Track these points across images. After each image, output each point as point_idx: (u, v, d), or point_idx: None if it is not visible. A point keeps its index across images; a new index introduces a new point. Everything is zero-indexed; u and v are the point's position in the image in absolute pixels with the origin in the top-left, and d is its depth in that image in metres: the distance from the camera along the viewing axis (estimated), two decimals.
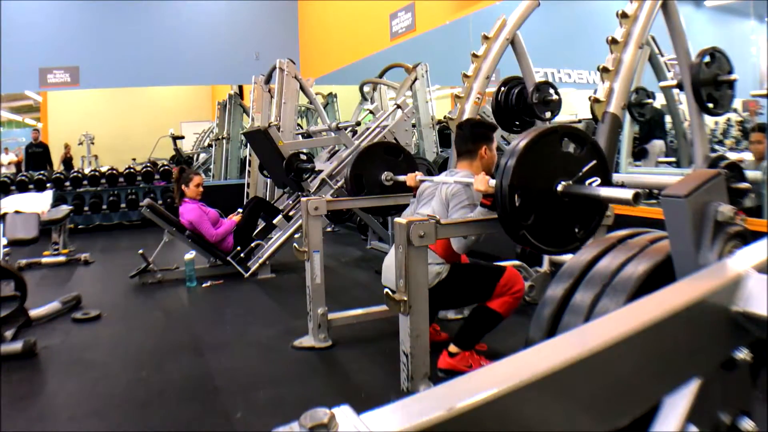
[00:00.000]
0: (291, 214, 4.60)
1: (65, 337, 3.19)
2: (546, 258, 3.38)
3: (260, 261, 4.48)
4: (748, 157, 3.75)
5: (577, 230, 1.81)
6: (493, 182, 2.13)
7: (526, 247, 1.82)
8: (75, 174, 7.71)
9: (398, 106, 4.63)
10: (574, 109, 6.08)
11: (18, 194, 6.36)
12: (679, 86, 3.08)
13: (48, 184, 7.26)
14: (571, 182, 1.72)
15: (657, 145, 4.90)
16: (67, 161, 10.61)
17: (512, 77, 3.48)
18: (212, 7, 9.46)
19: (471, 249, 2.37)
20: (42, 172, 7.93)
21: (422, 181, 2.72)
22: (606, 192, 1.68)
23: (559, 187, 1.71)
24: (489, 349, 2.69)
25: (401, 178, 3.00)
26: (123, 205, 7.67)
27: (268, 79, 5.64)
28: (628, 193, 1.61)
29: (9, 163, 10.63)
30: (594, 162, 1.76)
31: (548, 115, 3.28)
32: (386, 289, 1.98)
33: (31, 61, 8.49)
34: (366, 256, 5.32)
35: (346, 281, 4.42)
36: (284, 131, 4.85)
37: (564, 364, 0.53)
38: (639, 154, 4.84)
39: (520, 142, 1.73)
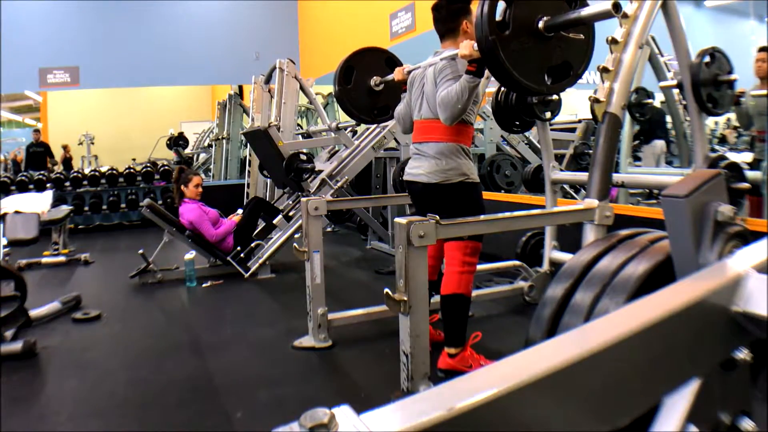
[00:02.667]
0: (291, 214, 4.60)
1: (65, 337, 3.19)
2: (546, 258, 3.38)
3: (260, 261, 4.48)
4: (754, 84, 3.68)
5: (547, 79, 1.76)
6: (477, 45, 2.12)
7: (499, 77, 1.75)
8: (75, 174, 7.71)
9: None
10: (574, 109, 6.08)
11: (18, 194, 6.36)
12: (679, 86, 3.08)
13: (48, 184, 7.26)
14: (551, 17, 1.70)
15: (658, 145, 4.91)
16: (67, 161, 10.61)
17: None
18: (212, 7, 9.46)
19: (458, 117, 2.34)
20: (42, 172, 7.93)
21: (410, 72, 2.68)
22: (587, 10, 1.66)
23: (541, 23, 1.68)
24: (489, 349, 2.68)
25: (389, 77, 2.91)
26: (123, 205, 7.67)
27: (268, 79, 5.64)
28: (606, 4, 1.59)
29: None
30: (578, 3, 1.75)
31: (548, 114, 3.28)
32: (386, 289, 1.98)
33: (31, 61, 8.49)
34: (366, 256, 5.32)
35: (346, 281, 4.42)
36: (284, 131, 4.85)
37: (564, 364, 0.53)
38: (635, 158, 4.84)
39: None
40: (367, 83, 3.03)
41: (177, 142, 10.32)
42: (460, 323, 2.47)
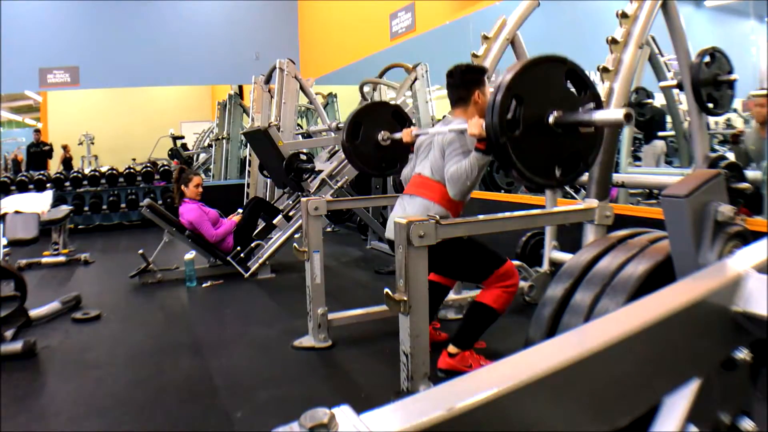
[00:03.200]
0: (291, 214, 4.60)
1: (65, 337, 3.19)
2: (546, 258, 3.38)
3: (260, 261, 4.48)
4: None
5: (557, 171, 1.77)
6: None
7: (509, 171, 1.76)
8: (75, 174, 7.71)
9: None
10: None
11: (18, 194, 6.36)
12: (679, 86, 3.08)
13: (48, 184, 7.26)
14: (561, 112, 1.69)
15: (658, 145, 4.90)
16: (67, 162, 10.61)
17: None
18: (212, 7, 9.46)
19: (467, 194, 2.35)
20: (42, 172, 7.94)
21: (418, 135, 2.69)
22: (598, 115, 1.65)
23: (551, 118, 1.68)
24: (489, 349, 2.68)
25: (397, 135, 2.94)
26: (123, 205, 7.67)
27: (268, 79, 5.64)
28: (618, 113, 1.59)
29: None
30: (592, 105, 1.74)
31: None
32: (386, 289, 1.98)
33: (31, 61, 8.50)
34: (366, 256, 5.32)
35: (346, 281, 4.42)
36: (284, 131, 4.85)
37: (564, 364, 0.53)
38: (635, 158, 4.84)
39: (524, 61, 1.71)
40: (374, 138, 3.09)
41: (176, 153, 10.29)
42: (478, 332, 2.48)
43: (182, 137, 10.50)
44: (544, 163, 1.74)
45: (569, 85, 1.76)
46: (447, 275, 2.76)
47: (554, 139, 1.72)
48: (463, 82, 2.53)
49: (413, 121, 3.23)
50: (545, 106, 1.69)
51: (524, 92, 1.67)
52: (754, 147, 3.67)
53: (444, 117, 2.58)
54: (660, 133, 4.85)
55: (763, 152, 3.54)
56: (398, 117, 3.15)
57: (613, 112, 1.63)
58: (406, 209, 2.48)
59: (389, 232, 2.55)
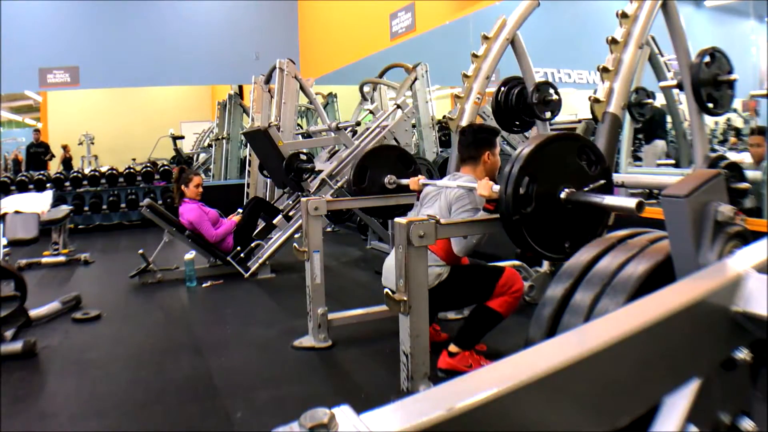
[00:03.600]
0: (291, 214, 4.60)
1: (65, 337, 3.19)
2: None
3: (260, 261, 4.48)
4: (747, 158, 3.76)
5: (566, 245, 1.80)
6: (497, 188, 2.14)
7: (520, 246, 1.80)
8: (75, 174, 7.71)
9: (398, 106, 4.63)
10: (574, 109, 6.07)
11: (18, 194, 6.36)
12: (679, 86, 3.08)
13: (48, 184, 7.26)
14: (575, 190, 1.72)
15: (658, 145, 4.90)
16: (67, 162, 10.61)
17: (512, 77, 3.48)
18: (212, 7, 9.46)
19: (471, 251, 2.38)
20: (42, 172, 7.93)
21: (425, 185, 2.73)
22: (610, 200, 1.68)
23: (563, 194, 1.71)
24: (489, 349, 2.69)
25: (404, 181, 3.01)
26: (123, 205, 7.67)
27: (268, 79, 5.64)
28: (631, 202, 1.61)
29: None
30: (602, 182, 1.77)
31: (548, 115, 3.28)
32: (386, 289, 1.98)
33: (31, 61, 8.49)
34: (366, 256, 5.32)
35: (346, 281, 4.42)
36: (284, 131, 4.85)
37: (564, 364, 0.53)
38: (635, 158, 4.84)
39: (540, 138, 1.73)
40: (380, 181, 3.13)
41: (177, 152, 10.28)
42: (480, 333, 2.49)
43: (182, 137, 10.50)
44: (554, 236, 1.78)
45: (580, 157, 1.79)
46: (454, 308, 2.79)
47: (564, 214, 1.76)
48: (475, 141, 2.58)
49: (418, 167, 3.28)
50: (557, 183, 1.73)
51: (537, 170, 1.71)
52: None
53: (450, 173, 2.61)
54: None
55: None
56: (404, 160, 3.20)
57: (626, 201, 1.65)
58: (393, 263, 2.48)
59: (386, 281, 2.57)
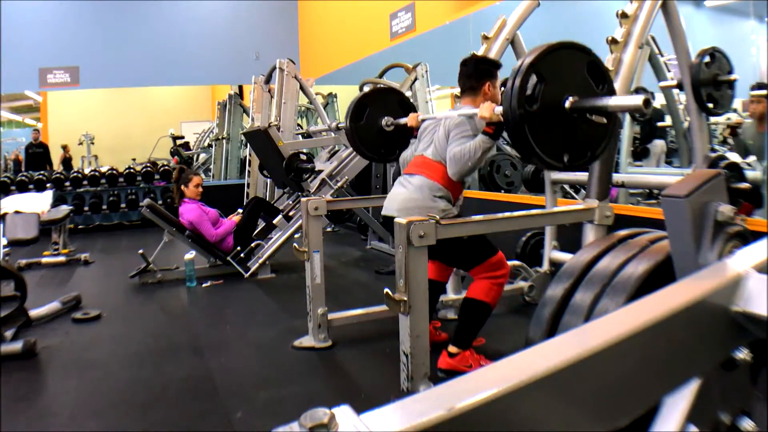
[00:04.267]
0: (291, 214, 4.60)
1: (65, 337, 3.19)
2: (546, 258, 3.38)
3: (260, 261, 4.48)
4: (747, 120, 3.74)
5: (566, 157, 1.78)
6: (498, 109, 2.10)
7: (520, 149, 1.77)
8: (75, 174, 7.71)
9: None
10: None
11: (18, 194, 6.36)
12: (679, 86, 3.08)
13: (48, 184, 7.26)
14: (578, 98, 1.71)
15: (659, 145, 4.90)
16: (66, 162, 10.61)
17: None
18: (212, 7, 9.46)
19: (466, 175, 2.36)
20: (42, 172, 7.93)
21: (424, 120, 2.69)
22: (615, 101, 1.66)
23: (567, 103, 1.69)
24: (489, 349, 2.69)
25: (402, 120, 2.94)
26: (123, 205, 7.67)
27: (268, 79, 5.64)
28: (638, 99, 1.59)
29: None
30: (606, 88, 1.75)
31: None
32: (386, 289, 1.98)
33: (31, 61, 8.49)
34: (366, 256, 5.32)
35: (346, 281, 4.42)
36: (284, 131, 4.86)
37: (564, 364, 0.53)
38: (641, 153, 4.84)
39: (552, 42, 1.73)
40: (378, 122, 3.07)
41: (177, 151, 10.28)
42: (475, 329, 2.47)
43: (182, 137, 10.50)
44: (555, 144, 1.75)
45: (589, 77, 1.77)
46: (441, 258, 2.74)
47: (567, 124, 1.73)
48: (477, 71, 2.54)
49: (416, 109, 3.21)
50: (564, 90, 1.70)
51: (546, 72, 1.69)
52: (753, 141, 3.68)
53: (453, 107, 2.58)
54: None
55: (761, 146, 3.54)
56: (404, 106, 3.14)
57: (631, 98, 1.63)
58: (407, 187, 2.49)
59: (386, 210, 2.56)
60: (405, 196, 2.46)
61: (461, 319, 2.50)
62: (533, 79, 1.69)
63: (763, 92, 3.53)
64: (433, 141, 2.53)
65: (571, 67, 1.73)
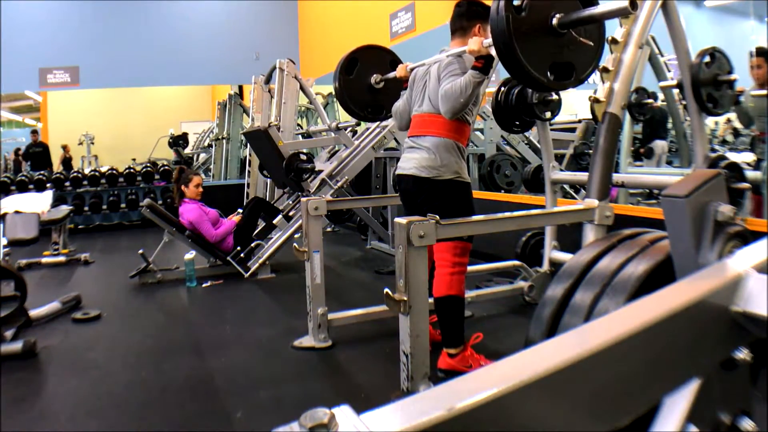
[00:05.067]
0: (291, 214, 4.60)
1: (65, 337, 3.19)
2: (546, 258, 3.38)
3: (260, 261, 4.48)
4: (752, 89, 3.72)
5: (550, 74, 1.77)
6: (487, 42, 2.10)
7: (507, 63, 1.76)
8: (75, 174, 7.71)
9: None
10: (574, 109, 6.08)
11: (18, 194, 6.36)
12: (679, 86, 3.08)
13: (48, 184, 7.26)
14: (565, 14, 1.71)
15: (659, 145, 4.90)
16: (66, 162, 10.61)
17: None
18: (212, 7, 9.46)
19: (459, 112, 2.35)
20: (42, 172, 7.93)
21: (413, 69, 2.69)
22: (599, 8, 1.67)
23: (555, 19, 1.68)
24: (489, 349, 2.68)
25: (391, 75, 2.91)
26: (123, 205, 7.67)
27: (268, 79, 5.64)
28: (623, 2, 1.58)
29: None
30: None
31: (548, 115, 3.28)
32: (386, 289, 1.98)
33: (31, 61, 8.50)
34: (366, 256, 5.32)
35: (346, 281, 4.42)
36: (284, 131, 4.85)
37: (564, 364, 0.53)
38: (646, 153, 4.84)
39: None
40: (367, 79, 3.03)
41: (177, 141, 10.32)
42: (456, 324, 2.46)
43: (182, 137, 10.51)
44: (541, 59, 1.73)
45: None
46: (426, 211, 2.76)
47: (554, 42, 1.72)
48: (469, 12, 2.53)
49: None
50: (552, 7, 1.70)
51: None
52: (754, 105, 3.66)
53: (441, 50, 2.56)
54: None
55: (763, 108, 3.53)
56: (395, 66, 3.12)
57: (616, 3, 1.61)
58: (420, 150, 2.50)
59: (401, 170, 2.58)
60: (421, 161, 2.48)
61: (440, 320, 2.49)
62: None
63: (763, 59, 3.52)
64: (427, 92, 2.52)
65: None
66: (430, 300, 3.18)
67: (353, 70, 3.00)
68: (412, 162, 2.52)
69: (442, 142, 2.46)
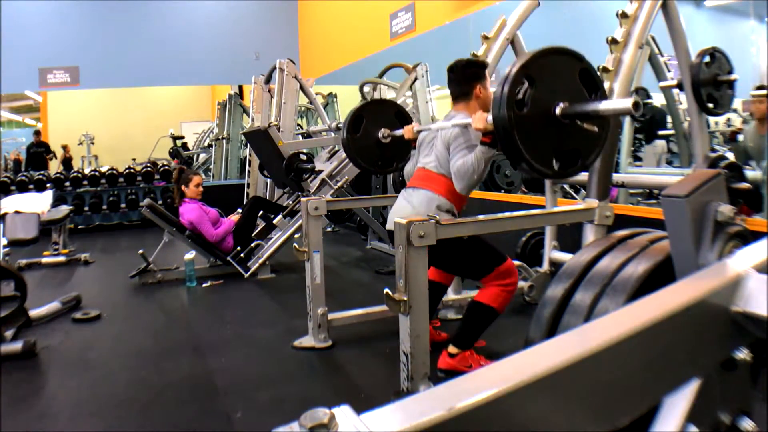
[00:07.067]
0: (296, 209, 4.59)
1: (65, 337, 3.19)
2: (546, 258, 3.38)
3: (260, 261, 4.48)
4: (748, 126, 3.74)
5: (556, 165, 1.76)
6: (491, 118, 2.12)
7: (510, 154, 1.75)
8: (75, 174, 7.71)
9: None
10: None
11: (18, 194, 6.36)
12: (679, 86, 3.08)
13: (48, 184, 7.26)
14: (569, 104, 1.69)
15: (659, 145, 4.90)
16: (66, 162, 10.61)
17: None
18: (212, 7, 9.46)
19: (474, 187, 2.36)
20: (42, 172, 7.93)
21: (420, 131, 2.69)
22: (605, 104, 1.65)
23: (558, 109, 1.67)
24: (489, 349, 2.68)
25: (398, 132, 2.94)
26: (123, 205, 7.67)
27: (268, 79, 5.64)
28: (627, 102, 1.58)
29: None
30: (598, 95, 1.74)
31: None
32: (386, 289, 1.98)
33: (31, 61, 8.49)
34: (366, 256, 5.32)
35: (346, 281, 4.42)
36: (284, 131, 4.85)
37: (564, 364, 0.53)
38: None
39: (544, 48, 1.72)
40: (375, 134, 3.08)
41: (177, 152, 10.28)
42: (478, 332, 2.47)
43: (182, 137, 10.50)
44: (545, 151, 1.73)
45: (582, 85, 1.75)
46: (448, 270, 2.74)
47: (558, 131, 1.71)
48: (465, 76, 2.53)
49: (414, 121, 3.22)
50: (555, 96, 1.68)
51: (537, 75, 1.66)
52: (753, 144, 3.67)
53: (446, 115, 2.57)
54: (661, 132, 4.85)
55: (762, 149, 3.53)
56: (401, 117, 3.15)
57: (620, 102, 1.61)
58: (411, 201, 2.48)
59: (390, 224, 2.55)
60: (409, 211, 2.44)
61: (465, 320, 2.50)
62: (525, 86, 1.67)
63: (764, 92, 3.53)
64: (433, 153, 2.52)
65: (562, 73, 1.71)
66: (456, 297, 3.18)
67: (360, 127, 3.06)
68: (397, 216, 2.50)
69: (435, 198, 2.42)
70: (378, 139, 3.05)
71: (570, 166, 1.77)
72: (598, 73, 1.78)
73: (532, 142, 1.69)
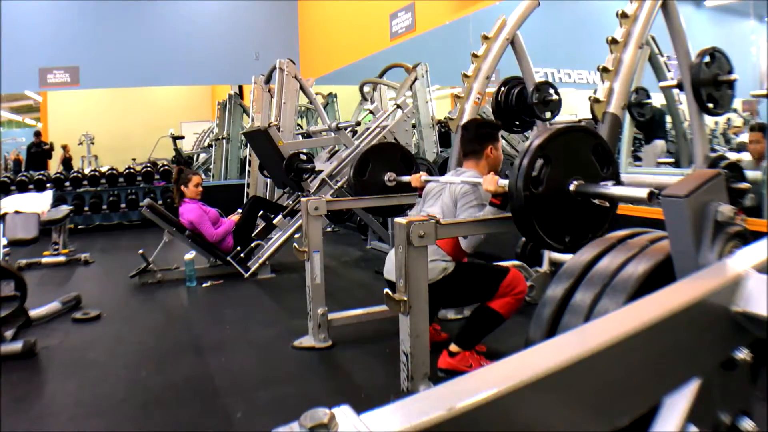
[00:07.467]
0: (296, 208, 4.59)
1: (65, 337, 3.19)
2: (546, 258, 3.38)
3: (260, 261, 4.48)
4: (746, 157, 3.75)
5: (567, 239, 1.80)
6: (503, 182, 2.14)
7: (523, 230, 1.78)
8: (75, 174, 7.71)
9: (398, 106, 4.63)
10: (574, 109, 6.08)
11: (18, 194, 6.36)
12: (679, 86, 3.08)
13: (48, 184, 7.26)
14: (583, 181, 1.71)
15: (658, 145, 4.90)
16: (66, 162, 10.61)
17: (512, 77, 3.48)
18: (212, 7, 9.46)
19: (479, 247, 2.38)
20: (42, 172, 7.93)
21: (427, 181, 2.72)
22: (619, 191, 1.67)
23: (572, 186, 1.70)
24: (489, 349, 2.69)
25: (405, 178, 2.99)
26: (123, 205, 7.67)
27: (268, 79, 5.64)
28: (642, 192, 1.59)
29: None
30: (610, 170, 1.77)
31: (548, 115, 3.28)
32: (386, 289, 1.98)
33: (31, 61, 8.49)
34: (366, 256, 5.32)
35: (346, 281, 4.42)
36: (284, 131, 4.85)
37: (564, 364, 0.53)
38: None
39: (561, 126, 1.74)
40: (380, 178, 3.12)
41: (179, 159, 10.26)
42: (481, 333, 2.49)
43: (182, 137, 10.50)
44: (557, 226, 1.77)
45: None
46: (458, 305, 2.78)
47: (570, 206, 1.75)
48: (478, 135, 2.58)
49: (419, 167, 3.29)
50: (569, 173, 1.72)
51: (553, 154, 1.70)
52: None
53: (452, 168, 2.62)
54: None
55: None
56: (406, 160, 3.21)
57: (636, 190, 1.63)
58: None
59: (388, 274, 2.57)
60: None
61: (471, 321, 2.51)
62: (540, 162, 1.70)
63: (761, 134, 3.54)
64: (439, 204, 2.53)
65: (577, 148, 1.75)
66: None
67: (365, 171, 3.10)
68: (389, 264, 2.52)
69: (436, 249, 2.41)
70: (383, 182, 3.10)
71: (580, 238, 1.80)
72: (610, 151, 1.81)
73: (546, 218, 1.74)
